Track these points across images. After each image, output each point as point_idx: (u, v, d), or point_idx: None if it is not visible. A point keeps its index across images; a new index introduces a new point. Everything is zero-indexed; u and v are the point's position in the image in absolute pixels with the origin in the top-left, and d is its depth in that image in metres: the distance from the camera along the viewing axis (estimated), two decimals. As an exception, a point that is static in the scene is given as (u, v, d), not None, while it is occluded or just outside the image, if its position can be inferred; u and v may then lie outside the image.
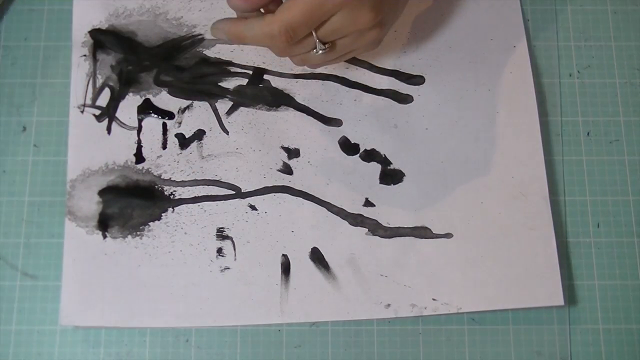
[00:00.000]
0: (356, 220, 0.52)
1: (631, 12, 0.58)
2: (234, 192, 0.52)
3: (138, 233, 0.51)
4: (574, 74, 0.56)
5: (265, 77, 0.55)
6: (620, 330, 0.51)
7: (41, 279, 0.50)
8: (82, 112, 0.53)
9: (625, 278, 0.52)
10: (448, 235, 0.51)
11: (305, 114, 0.54)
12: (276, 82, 0.55)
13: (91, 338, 0.49)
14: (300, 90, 0.54)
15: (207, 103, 0.54)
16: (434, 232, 0.51)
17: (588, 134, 0.55)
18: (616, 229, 0.53)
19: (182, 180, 0.52)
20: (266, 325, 0.50)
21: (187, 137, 0.53)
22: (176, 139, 0.53)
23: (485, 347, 0.50)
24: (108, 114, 0.53)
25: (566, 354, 0.50)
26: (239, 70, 0.55)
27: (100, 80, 0.54)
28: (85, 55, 0.55)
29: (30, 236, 0.51)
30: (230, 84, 0.54)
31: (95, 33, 0.55)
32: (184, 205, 0.51)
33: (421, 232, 0.51)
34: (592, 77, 0.56)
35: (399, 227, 0.51)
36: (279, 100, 0.54)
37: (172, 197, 0.52)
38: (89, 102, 0.53)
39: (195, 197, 0.52)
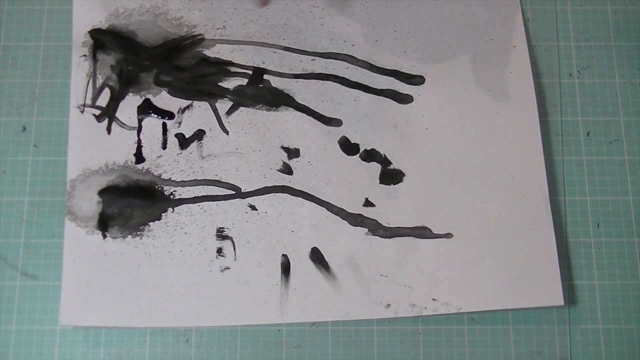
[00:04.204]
0: (356, 220, 0.52)
1: (631, 12, 0.58)
2: (234, 192, 0.52)
3: (138, 233, 0.51)
4: (574, 74, 0.56)
5: (265, 77, 0.55)
6: (620, 330, 0.51)
7: (41, 279, 0.50)
8: (82, 112, 0.53)
9: (625, 278, 0.52)
10: (448, 235, 0.51)
11: (305, 114, 0.54)
12: (276, 82, 0.55)
13: (91, 338, 0.49)
14: (300, 90, 0.54)
15: (207, 103, 0.54)
16: (434, 232, 0.51)
17: (588, 134, 0.55)
18: (616, 229, 0.53)
19: (182, 180, 0.52)
20: (266, 325, 0.50)
21: (187, 137, 0.53)
22: (176, 139, 0.53)
23: (485, 347, 0.50)
24: (108, 114, 0.53)
25: (566, 354, 0.50)
26: (238, 70, 0.55)
27: (100, 80, 0.54)
28: (85, 55, 0.55)
29: (30, 236, 0.51)
30: (230, 84, 0.54)
31: (95, 33, 0.55)
32: (184, 205, 0.51)
33: (421, 232, 0.51)
34: (592, 77, 0.56)
35: (399, 227, 0.51)
36: (279, 100, 0.54)
37: (172, 197, 0.52)
38: (89, 102, 0.53)
39: (195, 197, 0.52)
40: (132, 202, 0.51)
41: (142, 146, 0.53)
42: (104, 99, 0.54)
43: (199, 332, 0.50)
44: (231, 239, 0.51)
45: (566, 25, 0.57)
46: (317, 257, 0.51)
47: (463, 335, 0.50)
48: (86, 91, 0.54)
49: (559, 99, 0.56)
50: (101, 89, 0.54)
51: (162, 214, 0.51)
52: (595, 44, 0.57)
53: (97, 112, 0.53)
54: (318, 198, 0.52)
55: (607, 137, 0.55)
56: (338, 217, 0.52)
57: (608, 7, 0.58)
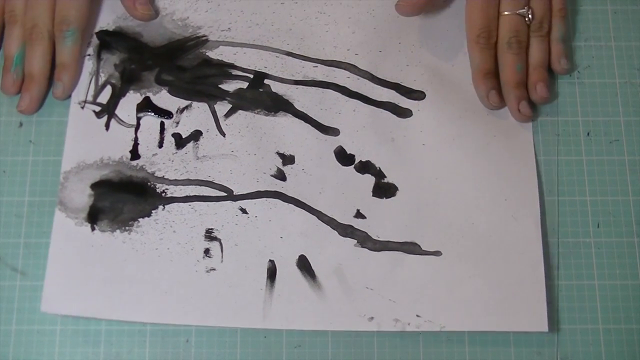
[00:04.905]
0: (346, 231, 0.51)
1: (631, 12, 0.58)
2: (225, 194, 0.52)
3: (127, 228, 0.51)
4: (574, 74, 0.56)
5: (266, 81, 0.55)
6: (620, 330, 0.50)
7: (41, 279, 0.50)
8: (82, 108, 0.54)
9: (625, 278, 0.51)
10: (437, 253, 0.51)
11: (303, 121, 0.54)
12: (276, 87, 0.55)
13: (91, 338, 0.50)
14: (300, 97, 0.54)
15: (206, 104, 0.54)
16: (423, 248, 0.51)
17: (588, 134, 0.54)
18: (616, 229, 0.52)
19: (175, 179, 0.52)
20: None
21: (183, 137, 0.53)
22: (173, 139, 0.53)
23: (485, 347, 0.50)
24: (108, 110, 0.54)
25: (566, 354, 0.49)
26: (240, 73, 0.55)
27: (102, 78, 0.55)
28: (89, 55, 0.55)
29: (30, 236, 0.52)
30: (230, 86, 0.55)
31: (102, 34, 0.56)
32: (175, 203, 0.52)
33: (410, 248, 0.51)
34: (592, 77, 0.56)
35: (389, 241, 0.51)
36: (278, 105, 0.54)
37: (163, 194, 0.52)
38: (90, 99, 0.54)
39: (186, 196, 0.52)
40: (124, 197, 0.52)
41: (138, 144, 0.53)
42: (105, 97, 0.54)
43: (199, 332, 0.50)
44: (219, 240, 0.51)
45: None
46: (304, 265, 0.51)
47: (463, 335, 0.50)
48: (88, 89, 0.54)
49: (559, 99, 0.55)
50: (103, 86, 0.55)
51: (153, 211, 0.52)
52: (595, 44, 0.57)
53: (97, 108, 0.54)
54: (309, 206, 0.52)
55: (607, 137, 0.54)
56: (328, 227, 0.51)
57: (608, 7, 0.58)
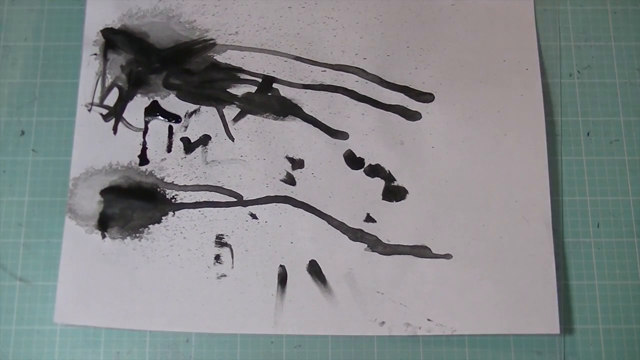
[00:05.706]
0: (356, 235, 0.51)
1: (631, 12, 0.58)
2: (235, 200, 0.52)
3: (137, 235, 0.51)
4: (574, 74, 0.56)
5: (275, 85, 0.54)
6: (620, 330, 0.51)
7: (41, 279, 0.50)
8: (89, 110, 0.53)
9: (625, 278, 0.52)
10: (447, 256, 0.51)
11: (312, 125, 0.54)
12: (285, 91, 0.54)
13: (91, 338, 0.50)
14: (309, 101, 0.54)
15: (214, 108, 0.54)
16: (433, 251, 0.51)
17: (588, 134, 0.55)
18: (616, 229, 0.53)
19: (185, 185, 0.52)
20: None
21: (192, 141, 0.53)
22: (181, 143, 0.53)
23: (485, 347, 0.50)
24: (115, 114, 0.53)
25: (566, 354, 0.50)
26: (248, 77, 0.55)
27: (109, 80, 0.54)
28: (95, 54, 0.55)
29: (30, 236, 0.51)
30: (238, 90, 0.54)
31: (107, 32, 0.55)
32: (184, 209, 0.51)
33: (420, 251, 0.51)
34: (592, 77, 0.56)
35: (399, 245, 0.51)
36: (287, 109, 0.54)
37: (173, 200, 0.52)
38: (97, 101, 0.54)
39: (196, 202, 0.52)
40: (133, 204, 0.51)
41: (147, 148, 0.53)
42: (112, 99, 0.54)
43: (199, 332, 0.50)
44: (230, 246, 0.51)
45: (566, 25, 0.57)
46: (314, 270, 0.50)
47: (463, 335, 0.50)
48: (95, 90, 0.54)
49: (559, 99, 0.55)
50: (110, 88, 0.54)
51: (163, 218, 0.51)
52: (595, 44, 0.57)
53: (105, 111, 0.53)
54: (319, 210, 0.52)
55: (607, 137, 0.55)
56: (338, 231, 0.51)
57: (608, 7, 0.58)
